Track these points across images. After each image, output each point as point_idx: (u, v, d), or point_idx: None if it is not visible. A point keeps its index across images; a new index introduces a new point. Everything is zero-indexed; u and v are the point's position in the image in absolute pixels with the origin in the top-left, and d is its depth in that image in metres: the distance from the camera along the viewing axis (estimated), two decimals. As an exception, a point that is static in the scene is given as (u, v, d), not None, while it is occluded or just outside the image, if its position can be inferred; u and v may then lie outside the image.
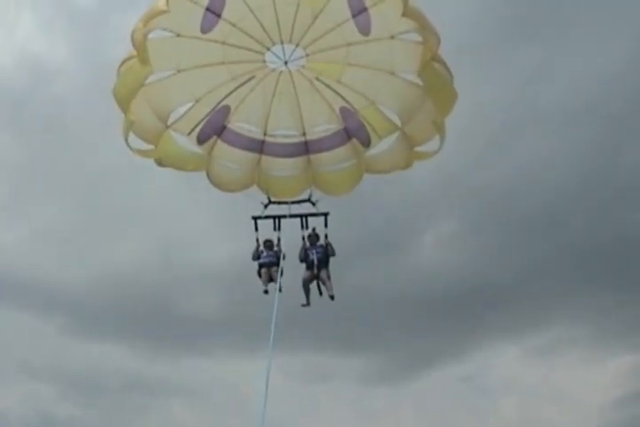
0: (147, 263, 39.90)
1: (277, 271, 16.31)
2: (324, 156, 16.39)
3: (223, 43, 14.65)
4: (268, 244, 17.15)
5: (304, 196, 17.08)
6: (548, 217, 38.32)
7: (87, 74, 36.32)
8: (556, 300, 41.68)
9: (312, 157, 16.47)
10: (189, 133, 15.84)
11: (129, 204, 37.45)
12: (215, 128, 15.99)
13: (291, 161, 16.56)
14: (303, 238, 17.18)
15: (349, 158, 16.39)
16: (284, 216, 16.96)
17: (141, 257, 40.54)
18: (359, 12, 14.10)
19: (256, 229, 17.18)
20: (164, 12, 13.61)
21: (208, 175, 16.43)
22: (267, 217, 17.10)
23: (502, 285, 41.14)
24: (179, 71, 14.99)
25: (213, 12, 14.05)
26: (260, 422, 10.26)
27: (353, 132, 16.11)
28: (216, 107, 15.66)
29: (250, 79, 15.51)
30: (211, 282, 36.00)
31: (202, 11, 14.01)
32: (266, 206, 17.05)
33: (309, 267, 16.71)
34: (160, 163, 16.14)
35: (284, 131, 16.39)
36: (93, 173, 36.87)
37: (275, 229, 17.19)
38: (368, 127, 15.89)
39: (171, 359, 45.81)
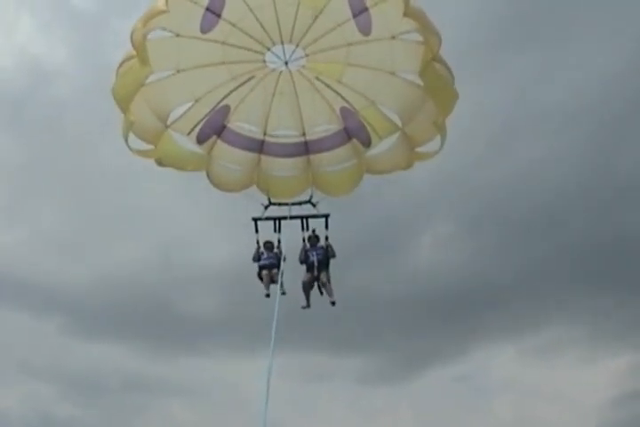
0: (147, 263, 40.03)
1: (278, 273, 16.23)
2: (324, 156, 16.35)
3: (223, 43, 14.61)
4: (269, 245, 17.07)
5: (304, 197, 17.00)
6: (548, 217, 38.41)
7: (86, 75, 36.50)
8: (553, 300, 41.83)
9: (312, 157, 16.43)
10: (189, 133, 15.81)
11: (129, 204, 37.58)
12: (215, 128, 15.95)
13: (290, 161, 16.52)
14: (303, 240, 17.09)
15: (350, 158, 16.35)
16: (285, 218, 16.88)
17: (141, 257, 40.66)
18: (360, 11, 14.06)
19: (256, 230, 17.09)
20: (163, 12, 13.55)
21: (208, 175, 16.39)
22: (267, 218, 17.00)
23: (500, 285, 41.31)
24: (178, 71, 14.95)
25: (213, 12, 14.00)
26: (262, 423, 10.25)
27: (353, 132, 16.08)
28: (216, 106, 15.63)
29: (250, 79, 15.48)
30: (210, 282, 36.11)
31: (202, 11, 13.97)
32: (266, 208, 16.96)
33: (309, 269, 16.64)
34: (160, 163, 16.11)
35: (283, 131, 16.36)
36: (93, 174, 36.95)
37: (275, 230, 17.11)
38: (368, 127, 15.85)
39: (170, 359, 45.97)
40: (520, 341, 46.98)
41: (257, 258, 16.94)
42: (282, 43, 14.78)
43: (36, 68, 40.05)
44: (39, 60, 40.76)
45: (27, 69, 40.36)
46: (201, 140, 15.94)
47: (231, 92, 15.49)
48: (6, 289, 41.62)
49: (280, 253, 16.68)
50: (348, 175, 16.52)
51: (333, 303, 16.21)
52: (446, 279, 37.99)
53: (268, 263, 16.70)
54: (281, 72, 15.48)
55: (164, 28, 14.17)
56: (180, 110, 15.57)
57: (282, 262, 16.16)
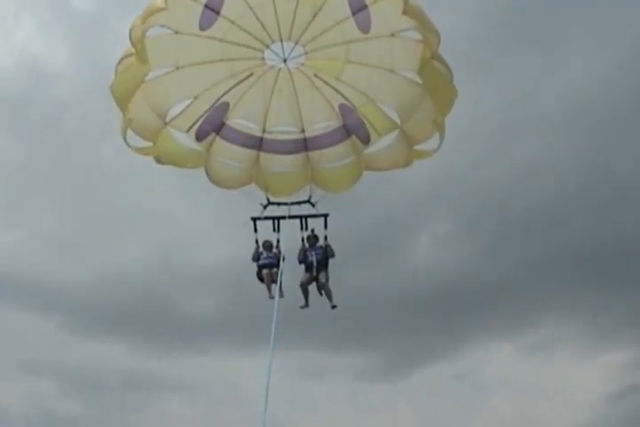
0: (147, 263, 40.13)
1: (278, 273, 16.18)
2: (323, 153, 16.33)
3: (222, 40, 14.59)
4: (268, 244, 17.03)
5: (304, 196, 16.97)
6: (545, 217, 38.55)
7: (86, 76, 36.66)
8: (548, 298, 42.24)
9: (311, 153, 16.41)
10: (188, 130, 15.80)
11: (129, 204, 37.67)
12: (214, 125, 15.93)
13: (289, 158, 16.50)
14: (302, 240, 17.07)
15: (348, 155, 16.34)
16: (284, 217, 16.85)
17: (141, 257, 40.78)
18: (359, 9, 14.05)
19: (255, 230, 17.03)
20: (162, 9, 13.54)
21: (207, 172, 16.37)
22: (266, 218, 16.97)
23: (497, 283, 41.63)
24: (177, 68, 14.93)
25: (212, 9, 13.98)
26: (261, 422, 10.26)
27: (352, 129, 16.06)
28: (215, 103, 15.61)
29: (249, 76, 15.45)
30: (210, 282, 36.12)
31: (200, 8, 13.94)
32: (265, 207, 16.92)
33: (308, 268, 16.62)
34: (159, 160, 16.11)
35: (282, 127, 16.33)
36: (93, 174, 37.01)
37: (274, 230, 17.07)
38: (367, 124, 15.84)
39: (170, 357, 46.09)
40: (517, 338, 47.62)
41: (256, 258, 16.89)
42: (281, 40, 14.74)
43: (36, 68, 40.32)
44: (39, 61, 41.04)
45: (27, 70, 40.63)
46: (200, 137, 15.93)
47: (230, 89, 15.47)
48: (7, 288, 41.90)
49: (279, 252, 16.65)
50: (346, 172, 16.51)
51: (334, 307, 16.24)
52: (444, 278, 38.20)
53: (268, 263, 16.67)
54: (280, 69, 15.46)
55: (163, 25, 14.16)
56: (179, 107, 15.55)
57: (281, 262, 16.13)
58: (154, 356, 46.60)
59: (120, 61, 14.57)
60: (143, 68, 14.38)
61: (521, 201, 37.61)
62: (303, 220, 17.06)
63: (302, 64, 15.38)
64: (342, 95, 15.64)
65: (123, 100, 14.70)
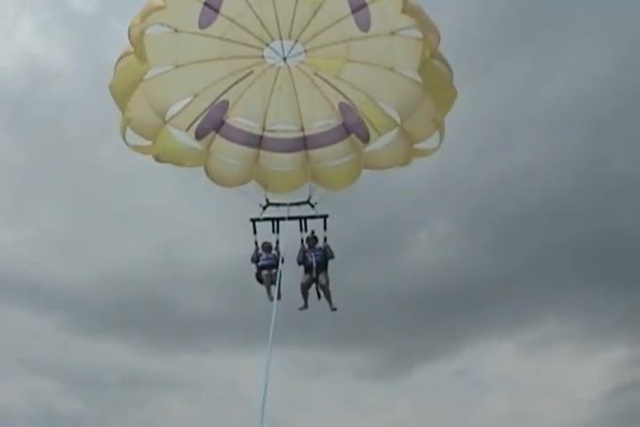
0: (146, 263, 40.19)
1: (277, 274, 16.07)
2: (323, 151, 16.32)
3: (221, 38, 14.58)
4: (267, 246, 16.94)
5: (303, 196, 16.93)
6: (544, 216, 38.58)
7: (86, 76, 36.71)
8: (547, 297, 42.40)
9: (310, 152, 16.40)
10: (188, 129, 15.78)
11: (129, 204, 37.71)
12: (214, 123, 15.92)
13: (289, 156, 16.49)
14: (302, 241, 16.99)
15: (348, 154, 16.33)
16: (283, 218, 16.79)
17: (141, 257, 40.86)
18: (359, 7, 14.04)
19: (254, 231, 16.95)
20: (161, 7, 13.52)
21: (206, 170, 16.36)
22: (265, 219, 16.89)
23: (496, 282, 41.74)
24: (177, 66, 14.92)
25: (212, 8, 13.97)
26: (258, 420, 10.24)
27: (352, 127, 16.06)
28: (214, 102, 15.60)
29: (248, 74, 15.44)
30: (210, 281, 36.17)
31: (200, 6, 13.93)
32: (264, 208, 16.86)
33: (308, 270, 16.54)
34: (158, 159, 16.09)
35: (282, 126, 16.33)
36: (93, 174, 37.04)
37: (273, 231, 16.99)
38: (367, 123, 15.83)
39: (170, 356, 46.41)
40: (516, 336, 47.81)
41: (255, 259, 16.81)
42: (280, 38, 14.74)
43: (36, 68, 40.41)
44: (39, 61, 41.11)
45: (27, 70, 40.75)
46: (199, 135, 15.91)
47: (230, 87, 15.46)
48: (7, 288, 42.09)
49: (278, 253, 16.60)
50: (346, 170, 16.50)
51: (334, 310, 16.20)
52: (444, 276, 38.31)
53: (268, 264, 16.58)
54: (280, 67, 15.46)
55: (162, 24, 14.13)
56: (179, 106, 15.53)
57: (280, 264, 16.08)
58: (154, 355, 46.89)
59: (119, 60, 14.53)
60: (142, 66, 14.35)
61: (521, 201, 37.69)
62: (302, 221, 17.00)
63: (302, 62, 15.37)
64: (342, 94, 15.63)
65: (122, 99, 14.67)
